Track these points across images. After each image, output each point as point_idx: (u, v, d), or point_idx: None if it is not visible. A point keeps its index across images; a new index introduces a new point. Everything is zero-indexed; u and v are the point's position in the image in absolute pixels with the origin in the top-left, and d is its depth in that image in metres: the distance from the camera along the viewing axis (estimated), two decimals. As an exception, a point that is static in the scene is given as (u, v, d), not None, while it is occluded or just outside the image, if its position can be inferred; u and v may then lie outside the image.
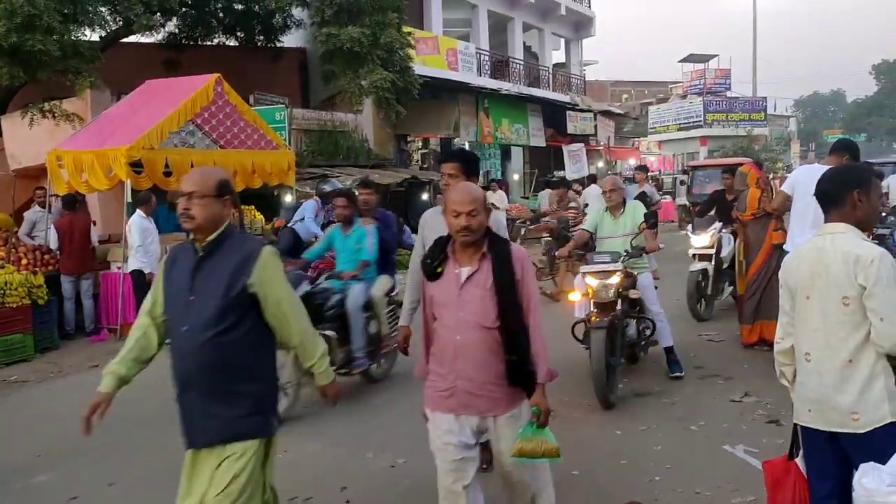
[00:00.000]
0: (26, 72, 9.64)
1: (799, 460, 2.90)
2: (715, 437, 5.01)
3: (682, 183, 24.08)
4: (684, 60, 43.81)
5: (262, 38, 16.88)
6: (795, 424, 2.89)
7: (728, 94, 43.75)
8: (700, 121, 41.11)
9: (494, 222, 3.37)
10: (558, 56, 31.08)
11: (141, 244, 8.78)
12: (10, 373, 7.79)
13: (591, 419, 5.55)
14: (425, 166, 21.19)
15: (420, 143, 22.87)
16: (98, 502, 4.50)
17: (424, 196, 18.80)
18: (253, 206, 13.23)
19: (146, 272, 8.57)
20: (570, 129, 26.86)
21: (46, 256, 9.17)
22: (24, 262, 8.79)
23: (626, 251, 6.12)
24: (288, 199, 8.17)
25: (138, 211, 8.99)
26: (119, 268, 9.32)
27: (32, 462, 5.16)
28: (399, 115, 15.68)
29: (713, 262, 8.67)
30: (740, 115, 41.52)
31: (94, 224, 9.93)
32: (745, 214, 7.52)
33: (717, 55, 43.76)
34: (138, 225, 8.86)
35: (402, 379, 6.83)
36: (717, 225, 8.92)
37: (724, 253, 8.80)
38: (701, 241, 8.85)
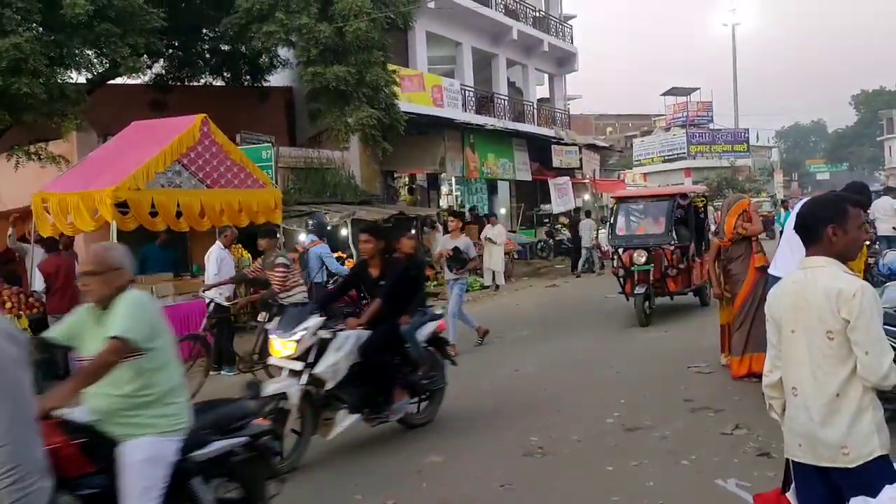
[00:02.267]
0: (12, 115, 9.66)
1: (791, 494, 2.88)
2: (707, 471, 4.98)
3: (603, 221, 20.99)
4: (667, 94, 44.50)
5: (248, 77, 17.03)
6: (787, 458, 2.88)
7: (710, 126, 44.40)
8: (684, 152, 41.65)
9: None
10: (542, 91, 31.47)
11: (217, 273, 9.13)
12: None
13: (582, 455, 5.50)
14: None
15: (407, 179, 22.96)
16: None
17: (411, 232, 18.80)
18: (240, 245, 13.18)
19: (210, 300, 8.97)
20: (556, 162, 27.08)
21: (31, 299, 9.09)
22: (7, 305, 8.71)
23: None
24: (280, 260, 8.27)
25: (217, 242, 9.51)
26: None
27: None
28: (385, 152, 15.77)
29: (300, 384, 5.39)
30: (723, 147, 42.11)
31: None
32: (724, 241, 7.57)
33: (698, 88, 44.55)
34: (216, 255, 9.30)
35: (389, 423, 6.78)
36: (316, 321, 5.58)
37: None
38: (284, 346, 5.50)
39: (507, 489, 4.91)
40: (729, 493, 4.60)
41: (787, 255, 5.90)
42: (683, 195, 11.74)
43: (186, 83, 16.64)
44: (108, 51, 11.05)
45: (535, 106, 28.45)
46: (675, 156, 42.20)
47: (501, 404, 7.03)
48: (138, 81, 15.27)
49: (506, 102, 25.55)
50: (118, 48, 10.88)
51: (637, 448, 5.55)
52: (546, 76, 30.95)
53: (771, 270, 6.23)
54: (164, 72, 16.15)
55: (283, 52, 16.38)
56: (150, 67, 14.66)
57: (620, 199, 12.53)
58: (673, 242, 11.00)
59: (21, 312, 8.67)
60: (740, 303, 7.28)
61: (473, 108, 23.23)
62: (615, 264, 11.35)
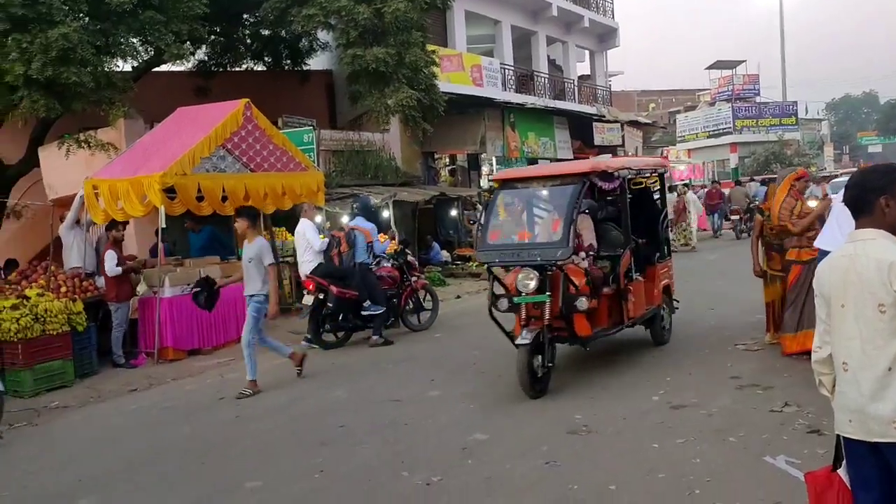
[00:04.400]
0: (62, 104, 9.88)
1: (842, 471, 2.84)
2: (755, 449, 4.92)
3: (470, 209, 18.64)
4: (711, 67, 43.48)
5: (289, 62, 17.15)
6: (838, 435, 2.84)
7: (757, 99, 43.30)
8: (729, 127, 40.71)
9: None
10: (583, 68, 31.03)
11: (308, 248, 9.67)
12: (51, 399, 7.94)
13: (626, 433, 5.49)
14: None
15: (447, 160, 22.94)
16: (139, 525, 4.54)
17: (453, 212, 18.83)
18: (283, 228, 13.37)
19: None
20: (598, 140, 26.76)
21: (85, 283, 9.35)
22: (63, 289, 8.97)
23: None
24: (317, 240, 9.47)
25: (304, 218, 9.99)
26: (155, 292, 9.47)
27: (74, 487, 5.25)
28: (426, 133, 15.77)
29: None
30: (770, 121, 41.04)
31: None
32: (773, 228, 7.37)
33: (744, 61, 43.40)
34: (312, 228, 9.80)
35: (436, 400, 6.84)
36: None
37: None
38: None
39: (551, 466, 4.93)
40: (778, 470, 4.55)
41: (834, 228, 5.76)
42: (606, 173, 7.09)
43: (228, 69, 16.83)
44: (152, 38, 11.22)
45: (576, 83, 28.10)
46: (720, 131, 41.25)
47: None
48: (182, 68, 15.50)
49: (546, 80, 25.29)
50: (162, 35, 11.05)
51: (683, 426, 5.51)
52: (587, 53, 30.50)
53: (818, 244, 6.07)
54: (206, 58, 16.35)
55: (323, 35, 16.44)
56: (193, 54, 14.84)
57: (503, 183, 7.59)
58: (591, 254, 7.23)
59: (76, 296, 8.93)
60: (794, 279, 7.10)
61: (513, 86, 23.05)
62: (491, 290, 7.08)
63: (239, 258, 11.98)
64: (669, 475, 4.61)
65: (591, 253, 7.22)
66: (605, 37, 30.24)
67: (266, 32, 16.22)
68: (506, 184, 7.55)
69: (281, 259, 12.51)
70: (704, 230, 22.85)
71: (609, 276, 7.23)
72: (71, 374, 8.45)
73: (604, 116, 27.33)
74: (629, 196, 7.81)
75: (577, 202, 6.67)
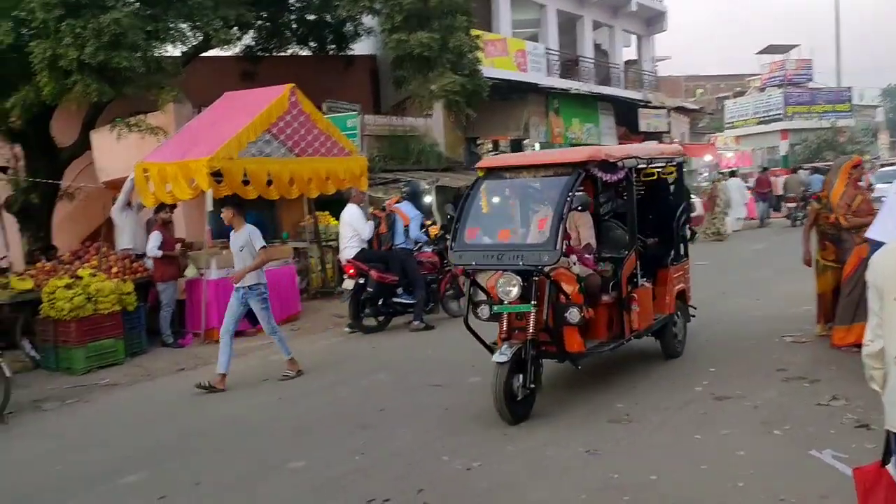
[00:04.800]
0: (113, 88, 10.08)
1: (891, 467, 2.77)
2: (801, 442, 4.83)
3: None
4: (762, 52, 42.41)
5: (333, 46, 17.23)
6: (888, 430, 2.77)
7: (810, 85, 42.10)
8: (780, 114, 39.71)
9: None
10: (629, 53, 30.56)
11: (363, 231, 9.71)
12: (102, 376, 8.17)
13: (669, 423, 5.43)
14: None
15: (490, 145, 22.86)
16: (186, 502, 4.66)
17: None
18: (327, 213, 13.50)
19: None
20: (643, 126, 26.36)
21: (135, 264, 9.58)
22: (114, 269, 9.21)
23: None
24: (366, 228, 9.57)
25: (351, 203, 9.96)
26: (202, 274, 9.66)
27: (123, 462, 5.40)
28: (469, 118, 15.72)
29: None
30: (823, 107, 39.89)
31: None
32: (831, 217, 7.18)
33: (797, 45, 42.18)
34: (360, 213, 9.85)
35: (476, 386, 6.86)
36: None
37: None
38: None
39: (592, 454, 4.91)
40: (825, 464, 4.46)
41: (887, 218, 5.59)
42: (608, 163, 6.09)
43: (274, 54, 16.99)
44: (201, 24, 11.38)
45: (622, 68, 27.69)
46: (770, 117, 40.25)
47: (586, 369, 6.98)
48: (229, 53, 15.69)
49: (591, 65, 24.98)
50: (210, 21, 11.19)
51: (727, 417, 5.44)
52: (634, 37, 30.02)
53: (869, 234, 5.89)
54: (253, 43, 16.52)
55: (368, 20, 16.47)
56: (240, 39, 15.01)
57: (489, 172, 6.47)
58: (589, 256, 6.33)
59: (126, 277, 9.15)
60: (851, 270, 6.89)
61: (558, 72, 22.82)
62: (469, 295, 6.47)
63: (283, 241, 12.20)
64: (712, 466, 4.56)
65: (588, 255, 6.32)
66: (653, 21, 29.69)
67: (311, 17, 16.32)
68: (491, 172, 6.47)
69: (324, 243, 12.67)
70: (752, 219, 22.41)
71: (610, 281, 6.35)
72: (121, 353, 8.69)
73: (650, 102, 26.91)
74: (640, 189, 7.06)
75: (570, 197, 5.61)
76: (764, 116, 40.89)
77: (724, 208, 19.16)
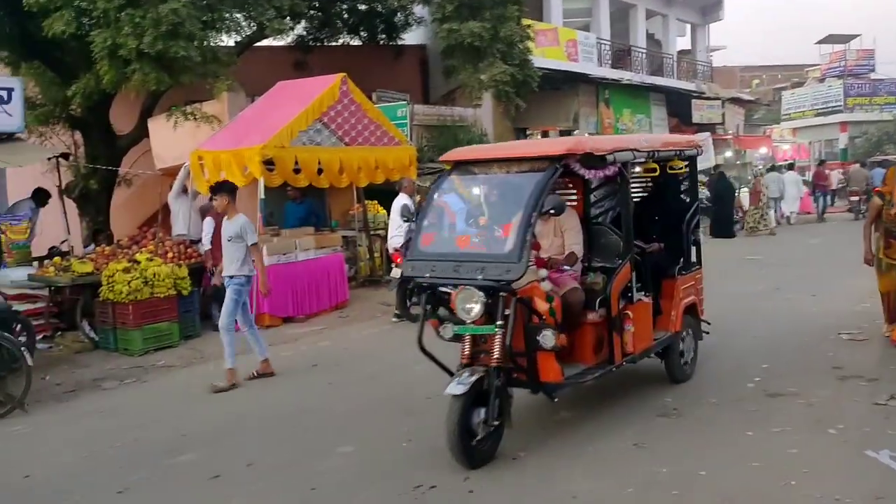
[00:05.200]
0: (171, 77, 10.27)
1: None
2: (856, 442, 4.72)
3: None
4: (822, 42, 41.14)
5: (384, 36, 17.29)
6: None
7: (872, 76, 40.70)
8: (840, 105, 38.49)
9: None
10: (683, 42, 29.98)
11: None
12: (157, 358, 8.41)
13: (719, 419, 5.36)
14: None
15: (539, 136, 22.71)
16: (238, 481, 4.78)
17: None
18: (376, 202, 13.60)
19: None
20: (696, 117, 25.87)
21: (189, 250, 9.81)
22: (169, 255, 9.43)
23: None
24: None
25: (402, 193, 9.93)
26: (253, 261, 9.81)
27: (179, 441, 5.56)
28: (518, 109, 15.63)
29: None
30: (885, 99, 38.54)
31: None
32: (890, 211, 6.97)
33: (859, 35, 40.81)
34: (410, 205, 9.67)
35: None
36: None
37: None
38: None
39: (639, 447, 4.88)
40: (881, 465, 4.36)
41: None
42: (593, 157, 5.10)
43: (325, 43, 17.12)
44: (255, 14, 11.52)
45: (675, 58, 27.19)
46: (829, 109, 39.04)
47: (634, 364, 6.93)
48: (281, 43, 15.86)
49: (643, 55, 24.59)
50: (264, 11, 11.33)
51: (779, 415, 5.34)
52: (688, 26, 29.43)
53: None
54: (305, 33, 16.69)
55: (419, 10, 16.48)
56: (292, 29, 15.17)
57: (457, 166, 5.55)
58: (568, 268, 5.39)
59: (181, 261, 9.37)
60: None
61: (609, 62, 22.53)
62: (423, 311, 5.24)
63: (332, 230, 12.34)
64: (764, 464, 4.48)
65: (568, 266, 5.31)
66: (709, 9, 29.05)
67: (363, 7, 16.39)
68: (459, 166, 5.51)
69: (372, 231, 12.77)
70: (807, 213, 21.85)
71: (600, 295, 5.35)
72: (176, 336, 8.92)
73: (703, 93, 26.39)
74: (645, 187, 6.59)
75: (541, 197, 4.72)
76: (822, 108, 39.70)
77: (767, 202, 18.79)
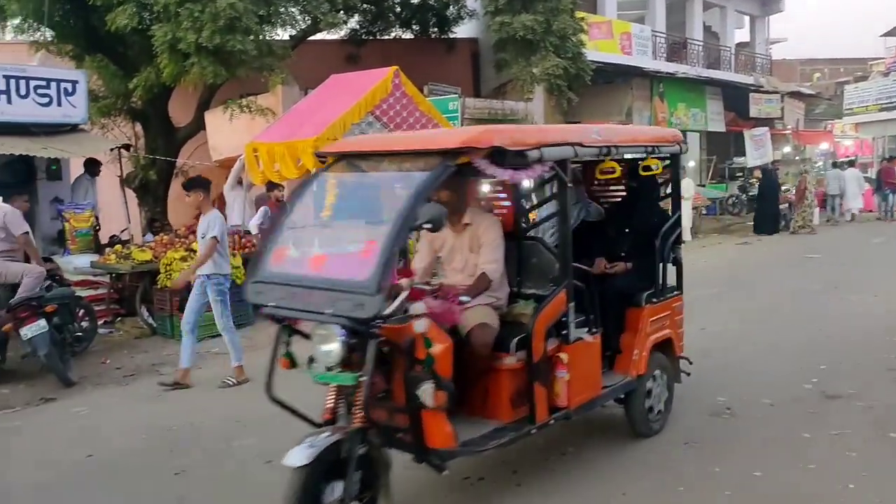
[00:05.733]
0: (227, 70, 10.49)
1: None
2: (920, 448, 4.57)
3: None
4: (888, 34, 39.71)
5: (436, 30, 17.33)
6: None
7: (941, 69, 39.11)
8: (906, 100, 37.10)
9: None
10: (741, 35, 29.26)
11: None
12: (212, 345, 8.59)
13: (774, 420, 5.24)
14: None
15: (591, 130, 22.50)
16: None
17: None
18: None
19: None
20: (754, 112, 25.23)
21: (244, 240, 10.00)
22: (225, 244, 9.63)
23: None
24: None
25: None
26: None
27: (232, 426, 5.68)
28: (570, 102, 15.50)
29: None
30: (954, 93, 36.99)
31: None
32: None
33: (928, 26, 39.24)
34: None
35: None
36: None
37: None
38: None
39: (690, 446, 4.81)
40: (946, 472, 4.21)
41: None
42: (501, 152, 3.83)
43: (378, 37, 17.25)
44: (310, 8, 11.69)
45: (733, 51, 26.55)
46: (895, 104, 37.73)
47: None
48: (334, 37, 16.04)
49: (700, 48, 24.07)
50: (319, 4, 11.48)
51: (838, 417, 5.21)
52: (747, 18, 28.72)
53: None
54: (357, 27, 16.84)
55: (471, 3, 16.49)
56: (345, 23, 15.32)
57: (340, 159, 4.40)
58: (470, 298, 4.08)
59: (236, 251, 9.56)
60: None
61: (664, 55, 22.12)
62: (275, 346, 4.09)
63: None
64: (821, 466, 4.38)
65: (464, 298, 4.00)
66: (769, 0, 28.31)
67: (415, 0, 16.47)
68: (342, 160, 4.34)
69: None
70: (870, 211, 21.17)
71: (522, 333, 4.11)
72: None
73: (762, 87, 25.72)
74: (617, 192, 5.58)
75: (416, 204, 3.54)
76: (887, 103, 38.22)
77: (812, 201, 18.37)
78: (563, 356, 4.21)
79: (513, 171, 3.88)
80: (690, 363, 5.50)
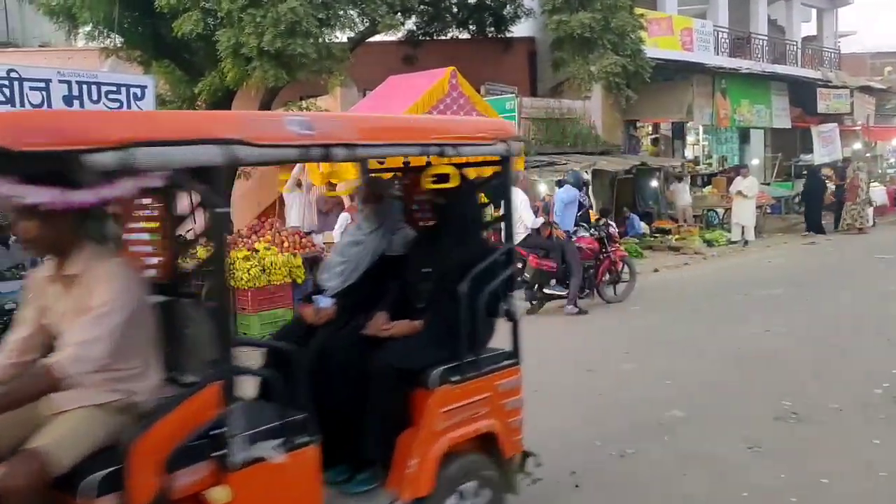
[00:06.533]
0: (288, 73, 10.70)
1: None
2: None
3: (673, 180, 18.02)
4: (966, 24, 37.95)
5: (492, 29, 17.32)
6: None
7: None
8: None
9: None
10: (808, 28, 28.36)
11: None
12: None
13: (843, 425, 5.08)
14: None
15: (650, 128, 22.12)
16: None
17: (653, 183, 18.20)
18: (482, 194, 13.64)
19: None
20: (821, 108, 24.43)
21: (304, 240, 10.18)
22: (285, 244, 9.82)
23: None
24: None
25: (517, 188, 9.66)
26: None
27: (294, 422, 5.78)
28: (629, 101, 15.29)
29: None
30: None
31: None
32: None
33: None
34: (527, 203, 9.67)
35: (630, 373, 6.75)
36: None
37: None
38: None
39: (754, 451, 4.70)
40: None
41: None
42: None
43: (435, 38, 17.33)
44: (368, 10, 11.83)
45: (799, 45, 25.75)
46: (973, 98, 36.03)
47: (749, 364, 6.67)
48: (392, 38, 16.18)
49: (764, 43, 23.44)
50: (377, 7, 11.60)
51: (910, 423, 5.01)
52: (814, 11, 27.85)
53: None
54: (415, 28, 16.96)
55: (528, 2, 16.42)
56: (403, 24, 15.45)
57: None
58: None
59: (296, 251, 9.74)
60: None
61: (727, 50, 21.61)
62: None
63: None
64: (893, 474, 4.22)
65: None
66: (838, -8, 27.43)
67: (472, 0, 16.49)
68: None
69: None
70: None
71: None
72: (291, 323, 9.27)
73: (830, 82, 24.89)
74: (423, 214, 3.85)
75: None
76: (965, 97, 36.64)
77: (866, 199, 17.72)
78: (218, 494, 2.51)
79: (56, 189, 2.21)
80: (538, 465, 3.85)
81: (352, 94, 13.28)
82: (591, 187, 14.39)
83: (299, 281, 9.40)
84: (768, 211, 19.09)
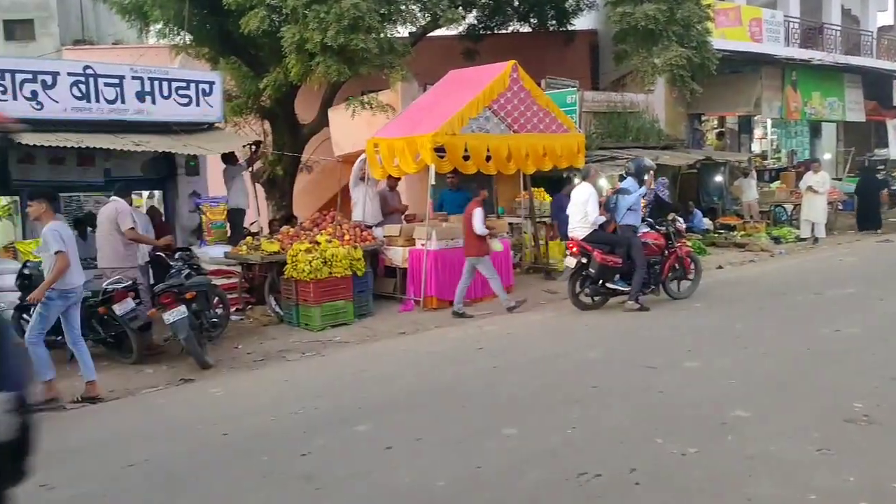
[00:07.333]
0: (350, 68, 10.86)
1: None
2: None
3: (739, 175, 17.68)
4: None
5: (554, 22, 17.19)
6: None
7: None
8: None
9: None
10: (885, 18, 27.25)
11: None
12: (334, 334, 8.94)
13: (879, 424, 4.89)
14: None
15: (715, 122, 21.60)
16: (409, 454, 4.99)
17: (718, 178, 17.78)
18: (542, 189, 13.59)
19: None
20: (898, 100, 23.52)
21: (364, 233, 10.31)
22: (346, 237, 9.98)
23: None
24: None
25: (587, 183, 9.65)
26: (423, 244, 10.17)
27: (354, 412, 5.89)
28: (694, 94, 14.99)
29: None
30: None
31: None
32: None
33: None
34: (595, 199, 9.49)
35: (693, 371, 6.62)
36: None
37: None
38: None
39: (823, 454, 4.56)
40: None
41: None
42: None
43: (495, 31, 17.29)
44: (430, 5, 11.90)
45: (875, 35, 24.77)
46: None
47: (819, 364, 6.48)
48: (452, 33, 16.21)
49: (837, 33, 22.63)
50: (439, 1, 11.67)
51: None
52: (891, 0, 26.72)
53: None
54: (475, 22, 16.95)
55: (590, -6, 16.25)
56: (464, 18, 15.47)
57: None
58: None
59: (357, 244, 9.88)
60: None
61: (797, 41, 20.95)
62: None
63: (498, 216, 12.47)
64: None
65: None
66: (916, -20, 26.24)
67: (533, -7, 16.40)
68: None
69: (538, 219, 12.77)
70: None
71: None
72: (351, 314, 9.43)
73: (907, 73, 23.89)
74: None
75: None
76: None
77: None
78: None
79: None
80: None
81: (413, 89, 13.37)
82: (657, 175, 14.07)
83: (360, 273, 9.54)
84: (840, 207, 18.45)
